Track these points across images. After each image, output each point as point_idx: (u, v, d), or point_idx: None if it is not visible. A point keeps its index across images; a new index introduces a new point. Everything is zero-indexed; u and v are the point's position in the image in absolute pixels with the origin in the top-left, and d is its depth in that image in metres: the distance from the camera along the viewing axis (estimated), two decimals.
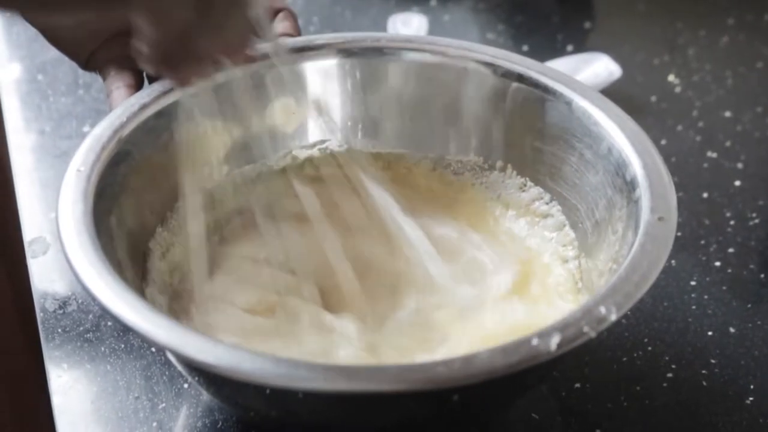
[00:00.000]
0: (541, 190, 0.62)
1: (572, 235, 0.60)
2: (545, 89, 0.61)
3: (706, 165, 0.77)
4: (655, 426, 0.58)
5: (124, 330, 0.61)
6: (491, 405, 0.52)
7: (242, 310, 0.57)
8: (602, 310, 0.46)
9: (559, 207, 0.61)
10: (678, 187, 0.55)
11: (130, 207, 0.56)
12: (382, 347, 0.54)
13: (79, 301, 0.64)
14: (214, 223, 0.61)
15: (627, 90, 0.84)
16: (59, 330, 0.62)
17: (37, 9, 0.54)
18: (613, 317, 0.46)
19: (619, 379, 0.60)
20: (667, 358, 0.61)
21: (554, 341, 0.45)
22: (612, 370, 0.60)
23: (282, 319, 0.56)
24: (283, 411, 0.50)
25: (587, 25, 0.96)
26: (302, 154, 0.65)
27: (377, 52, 0.64)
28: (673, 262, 0.67)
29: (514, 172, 0.63)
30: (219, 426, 0.57)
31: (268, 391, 0.47)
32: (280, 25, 0.63)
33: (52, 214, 0.69)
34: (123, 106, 0.58)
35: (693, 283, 0.66)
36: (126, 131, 0.57)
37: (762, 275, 0.68)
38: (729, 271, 0.67)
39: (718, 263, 0.68)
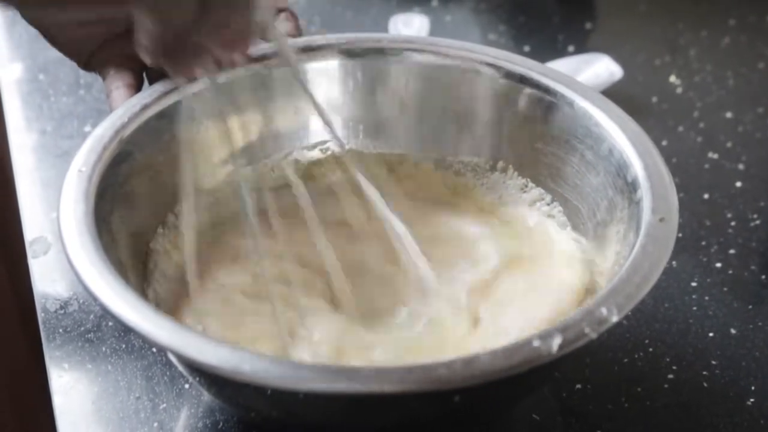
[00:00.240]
0: (543, 191, 0.62)
1: (573, 235, 0.60)
2: (546, 90, 0.61)
3: (707, 166, 0.77)
4: (656, 427, 0.58)
5: (125, 330, 0.61)
6: (492, 406, 0.52)
7: (233, 291, 0.56)
8: (603, 311, 0.46)
9: (560, 208, 0.61)
10: (679, 188, 0.55)
11: (132, 207, 0.56)
12: (354, 348, 0.54)
13: (80, 301, 0.64)
14: (211, 223, 0.61)
15: (628, 91, 0.84)
16: (60, 330, 0.62)
17: (37, 5, 0.54)
18: (615, 318, 0.46)
19: (620, 380, 0.60)
20: (668, 360, 0.61)
21: (555, 342, 0.45)
22: (613, 371, 0.60)
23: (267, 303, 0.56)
24: (284, 411, 0.50)
25: (588, 25, 0.96)
26: (304, 155, 0.65)
27: (378, 52, 0.64)
28: (674, 263, 0.67)
29: (516, 173, 0.63)
30: (220, 426, 0.57)
31: (269, 392, 0.47)
32: (282, 25, 0.63)
33: (53, 213, 0.69)
34: (124, 107, 0.58)
35: (694, 284, 0.66)
36: (127, 132, 0.57)
37: (763, 276, 0.68)
38: (730, 272, 0.67)
39: (719, 264, 0.68)
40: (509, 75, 0.62)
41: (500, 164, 0.64)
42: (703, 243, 0.70)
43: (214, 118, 0.60)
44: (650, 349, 0.62)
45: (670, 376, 0.60)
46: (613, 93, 0.80)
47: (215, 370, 0.45)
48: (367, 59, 0.64)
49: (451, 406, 0.48)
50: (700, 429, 0.58)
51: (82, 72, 0.64)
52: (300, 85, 0.58)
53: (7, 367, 0.97)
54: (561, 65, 0.84)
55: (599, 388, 0.59)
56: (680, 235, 0.69)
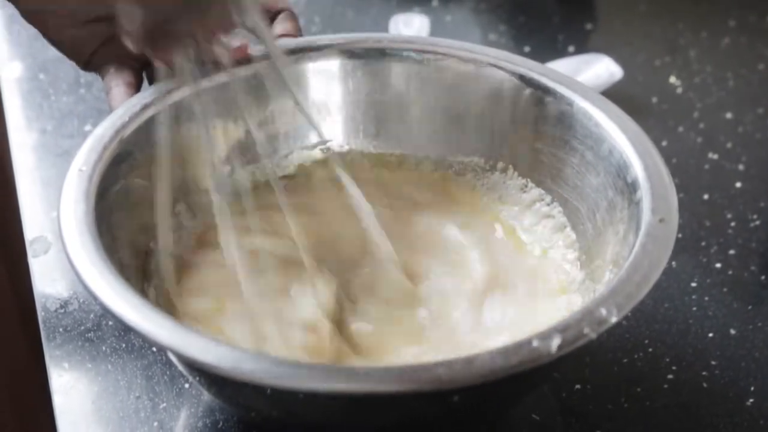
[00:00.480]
0: (542, 191, 0.62)
1: (573, 236, 0.60)
2: (546, 90, 0.61)
3: (707, 166, 0.77)
4: (656, 427, 0.58)
5: (125, 330, 0.61)
6: (492, 406, 0.52)
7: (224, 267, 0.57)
8: (603, 311, 0.46)
9: (560, 208, 0.61)
10: (679, 188, 0.55)
11: (132, 207, 0.56)
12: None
13: (81, 300, 0.64)
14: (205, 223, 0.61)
15: (628, 91, 0.84)
16: (60, 329, 0.62)
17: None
18: (614, 319, 0.46)
19: (619, 380, 0.60)
20: (667, 360, 0.61)
21: (555, 343, 0.45)
22: (613, 372, 0.60)
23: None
24: (284, 411, 0.50)
25: (588, 26, 0.96)
26: (303, 155, 0.65)
27: (379, 53, 0.64)
28: (673, 263, 0.67)
29: (516, 174, 0.63)
30: (220, 426, 0.57)
31: (269, 392, 0.47)
32: (282, 25, 0.63)
33: (53, 213, 0.69)
34: (125, 107, 0.58)
35: (693, 284, 0.66)
36: (128, 131, 0.57)
37: (763, 277, 0.68)
38: (730, 272, 0.67)
39: (718, 265, 0.68)
40: (509, 75, 0.62)
41: (500, 164, 0.64)
42: (703, 243, 0.70)
43: (214, 118, 0.60)
44: (650, 350, 0.62)
45: (670, 376, 0.60)
46: (614, 93, 0.80)
47: (215, 370, 0.45)
48: (368, 59, 0.64)
49: (450, 405, 0.48)
50: (699, 429, 0.58)
51: (82, 71, 0.64)
52: (286, 87, 0.58)
53: (7, 367, 0.97)
54: (561, 65, 0.84)
55: (599, 388, 0.59)
56: (680, 235, 0.69)
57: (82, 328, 0.62)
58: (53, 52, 0.63)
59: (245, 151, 0.62)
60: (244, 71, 0.60)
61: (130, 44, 0.51)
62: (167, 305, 0.56)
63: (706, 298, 0.65)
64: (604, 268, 0.55)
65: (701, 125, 0.82)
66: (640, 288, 0.48)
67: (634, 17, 0.97)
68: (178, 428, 0.57)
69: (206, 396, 0.58)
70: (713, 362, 0.61)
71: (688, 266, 0.67)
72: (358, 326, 0.56)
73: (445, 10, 0.96)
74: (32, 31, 0.61)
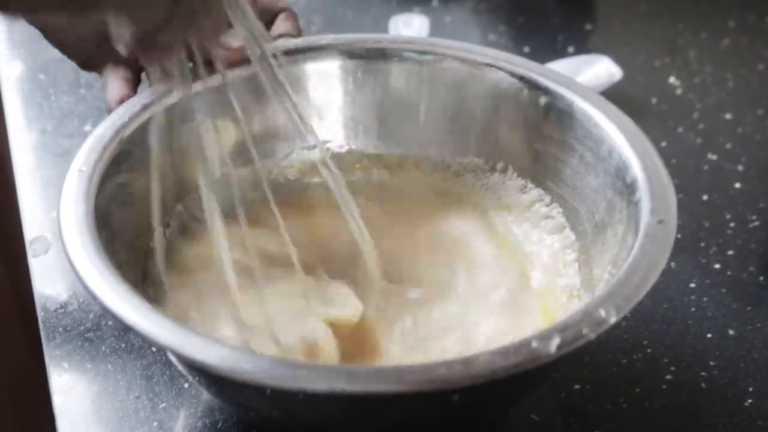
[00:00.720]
0: (542, 191, 0.62)
1: (572, 237, 0.60)
2: (546, 91, 0.61)
3: (706, 167, 0.77)
4: (655, 427, 0.58)
5: (125, 329, 0.61)
6: (491, 406, 0.52)
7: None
8: (602, 312, 0.46)
9: (559, 209, 0.61)
10: (678, 189, 0.55)
11: (132, 207, 0.56)
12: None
13: (80, 300, 0.64)
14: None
15: (628, 91, 0.84)
16: (60, 329, 0.62)
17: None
18: (613, 319, 0.46)
19: (618, 380, 0.60)
20: (666, 360, 0.61)
21: (554, 343, 0.45)
22: (612, 372, 0.60)
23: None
24: (283, 411, 0.51)
25: (588, 26, 0.96)
26: (302, 155, 0.65)
27: (378, 53, 0.64)
28: (672, 264, 0.67)
29: (515, 174, 0.63)
30: (219, 426, 0.57)
31: (268, 392, 0.47)
32: (282, 25, 0.63)
33: (53, 213, 0.69)
34: (125, 107, 0.58)
35: (693, 285, 0.66)
36: (128, 131, 0.57)
37: (762, 278, 0.68)
38: (729, 273, 0.68)
39: (717, 265, 0.68)
40: (509, 76, 0.62)
41: (500, 165, 0.64)
42: (702, 244, 0.70)
43: (214, 118, 0.60)
44: (649, 350, 0.62)
45: (669, 376, 0.60)
46: (613, 94, 0.79)
47: (215, 370, 0.45)
48: (367, 60, 0.64)
49: (450, 406, 0.48)
50: (698, 430, 0.58)
51: (82, 71, 0.64)
52: (283, 89, 0.58)
53: (7, 367, 0.97)
54: (561, 66, 0.84)
55: (598, 388, 0.59)
56: (679, 236, 0.68)
57: (82, 328, 0.62)
58: (53, 52, 0.63)
59: (243, 152, 0.62)
60: (241, 72, 0.60)
61: (122, 51, 0.51)
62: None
63: (705, 299, 0.65)
64: (603, 269, 0.55)
65: (701, 126, 0.82)
66: (639, 289, 0.48)
67: (633, 18, 0.97)
68: (177, 428, 0.57)
69: (206, 396, 0.58)
70: (712, 363, 0.61)
71: (687, 267, 0.68)
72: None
73: (444, 10, 0.96)
74: (33, 31, 0.62)
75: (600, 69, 0.83)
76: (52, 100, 0.82)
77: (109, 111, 0.59)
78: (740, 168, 0.77)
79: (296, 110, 0.58)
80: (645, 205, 0.52)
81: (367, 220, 0.58)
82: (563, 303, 0.57)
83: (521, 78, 0.62)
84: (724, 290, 0.66)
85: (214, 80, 0.60)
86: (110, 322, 0.62)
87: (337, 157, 0.65)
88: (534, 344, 0.45)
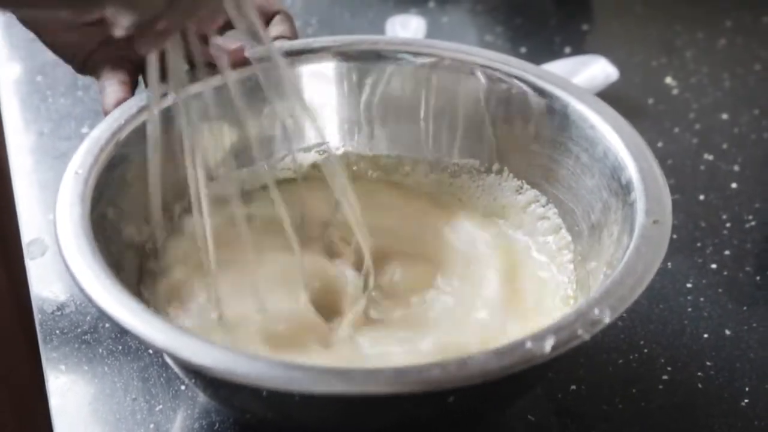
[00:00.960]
0: (538, 192, 0.62)
1: (568, 238, 0.60)
2: (542, 92, 0.61)
3: (702, 167, 0.77)
4: (651, 428, 0.58)
5: (122, 332, 0.61)
6: (487, 407, 0.52)
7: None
8: (596, 312, 0.46)
9: (555, 210, 0.61)
10: (674, 189, 0.55)
11: (128, 209, 0.56)
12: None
13: (77, 302, 0.64)
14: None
15: (624, 92, 0.84)
16: (57, 332, 0.62)
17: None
18: (607, 320, 0.46)
19: (614, 381, 0.60)
20: (662, 361, 0.61)
21: (548, 344, 0.45)
22: (608, 372, 0.61)
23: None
24: (279, 413, 0.51)
25: (585, 27, 0.96)
26: (299, 157, 0.65)
27: (375, 55, 0.64)
28: (669, 264, 0.67)
29: (511, 175, 0.63)
30: (216, 428, 0.57)
31: (264, 394, 0.47)
32: (277, 28, 0.63)
33: (50, 215, 0.69)
34: (121, 109, 0.58)
35: (689, 285, 0.66)
36: (124, 134, 0.57)
37: (758, 278, 0.68)
38: (725, 273, 0.68)
39: (714, 265, 0.68)
40: (505, 77, 0.62)
41: (495, 166, 0.64)
42: (699, 244, 0.70)
43: (210, 120, 0.60)
44: (645, 350, 0.62)
45: (665, 377, 0.60)
46: (610, 94, 0.80)
47: (210, 372, 0.45)
48: (363, 62, 0.64)
49: (445, 406, 0.48)
50: (694, 430, 0.58)
51: None
52: (286, 88, 0.58)
53: (6, 368, 0.97)
54: (557, 67, 0.84)
55: (594, 388, 0.60)
56: (675, 236, 0.69)
57: (79, 330, 0.62)
58: (51, 54, 0.63)
59: (241, 153, 0.62)
60: (239, 74, 0.60)
61: (119, 34, 0.51)
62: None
63: (702, 299, 0.66)
64: (598, 270, 0.55)
65: (697, 126, 0.82)
66: (634, 290, 0.48)
67: (630, 18, 0.97)
68: (174, 430, 0.57)
69: (202, 398, 0.58)
70: (708, 363, 0.61)
71: (684, 267, 0.68)
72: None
73: (441, 11, 0.96)
74: (30, 33, 0.62)
75: (597, 69, 0.83)
76: (49, 103, 0.82)
77: (106, 114, 0.59)
78: (736, 168, 0.77)
79: (304, 107, 0.58)
80: (640, 206, 0.53)
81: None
82: (558, 303, 0.57)
83: (517, 79, 0.62)
84: (720, 290, 0.66)
85: (211, 81, 0.60)
86: (107, 325, 0.62)
87: (334, 159, 0.65)
88: (528, 345, 0.45)
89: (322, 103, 0.65)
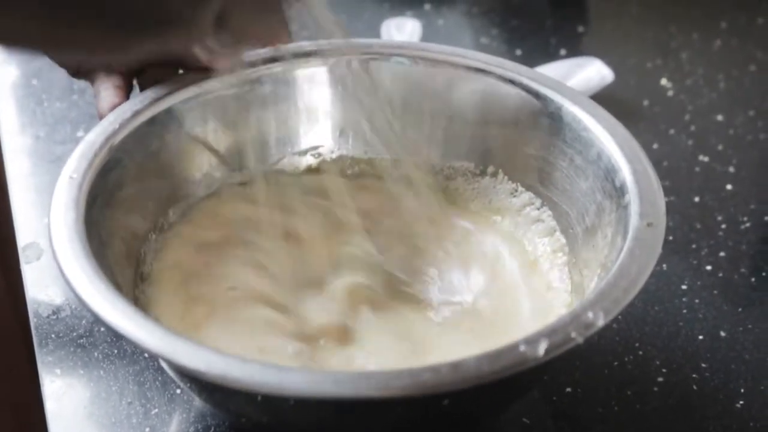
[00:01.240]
0: (532, 195, 0.62)
1: (563, 240, 0.60)
2: (536, 95, 0.61)
3: (697, 169, 0.77)
4: (647, 430, 0.58)
5: (117, 336, 0.61)
6: (481, 410, 0.52)
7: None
8: (590, 315, 0.46)
9: (549, 212, 0.61)
10: (670, 191, 0.55)
11: (123, 213, 0.57)
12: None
13: (73, 306, 0.64)
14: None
15: (620, 94, 0.84)
16: (52, 335, 0.62)
17: (43, 48, 0.54)
18: (601, 323, 0.46)
19: (610, 383, 0.60)
20: (657, 363, 0.61)
21: (542, 347, 0.45)
22: (603, 375, 0.61)
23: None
24: (273, 417, 0.51)
25: (580, 29, 0.96)
26: (293, 161, 0.65)
27: (369, 58, 0.64)
28: (664, 266, 0.67)
29: (505, 178, 0.63)
30: (211, 431, 0.57)
31: (259, 398, 0.47)
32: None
33: (46, 219, 0.69)
34: (115, 113, 0.58)
35: (684, 287, 0.67)
36: (118, 138, 0.57)
37: (753, 279, 0.68)
38: (720, 275, 0.68)
39: (709, 267, 0.68)
40: (499, 80, 0.62)
41: (490, 169, 0.64)
42: (694, 246, 0.70)
43: (204, 124, 0.60)
44: (640, 352, 0.62)
45: (660, 379, 0.60)
46: (605, 96, 0.80)
47: (204, 376, 0.45)
48: (359, 64, 0.64)
49: (439, 410, 0.48)
50: (690, 431, 0.58)
51: None
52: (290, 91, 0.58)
53: (4, 371, 0.97)
54: (553, 69, 0.84)
55: (590, 391, 0.60)
56: (671, 238, 0.69)
57: (75, 334, 0.62)
58: (46, 58, 0.63)
59: (236, 157, 0.62)
60: (232, 78, 0.60)
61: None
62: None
63: (697, 301, 0.66)
64: (592, 272, 0.55)
65: (692, 128, 0.82)
66: (628, 292, 0.48)
67: (625, 20, 0.97)
68: None
69: (198, 402, 0.58)
70: (703, 365, 0.61)
71: (679, 269, 0.68)
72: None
73: (437, 14, 0.96)
74: None
75: (592, 71, 0.84)
76: (45, 106, 0.82)
77: (101, 119, 0.59)
78: (731, 169, 0.77)
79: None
80: (634, 209, 0.53)
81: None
82: (552, 306, 0.57)
83: (511, 82, 0.62)
84: (715, 292, 0.66)
85: (207, 86, 0.60)
86: (102, 329, 0.62)
87: (329, 162, 0.65)
88: (522, 348, 0.45)
89: (317, 106, 0.65)
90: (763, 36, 0.94)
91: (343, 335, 0.55)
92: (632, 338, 0.63)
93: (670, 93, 0.86)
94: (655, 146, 0.79)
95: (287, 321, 0.56)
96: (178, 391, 0.59)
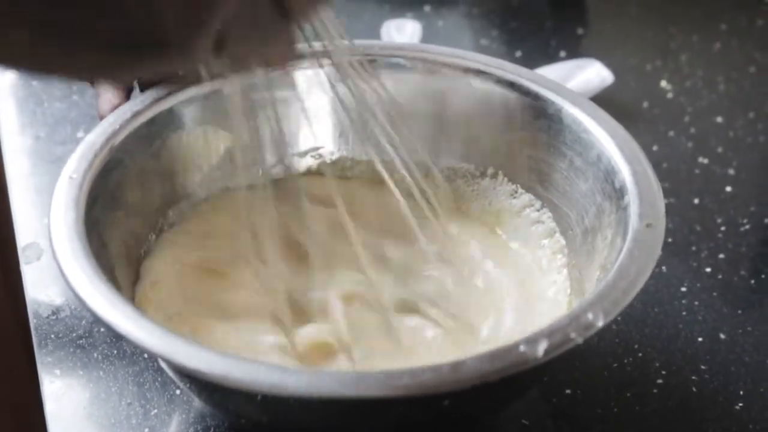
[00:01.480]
0: (532, 197, 0.62)
1: (563, 241, 0.60)
2: (536, 97, 0.61)
3: (697, 171, 0.77)
4: (646, 431, 0.58)
5: (117, 337, 0.61)
6: (481, 410, 0.52)
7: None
8: (590, 316, 0.47)
9: (549, 214, 0.61)
10: (669, 193, 0.55)
11: (123, 214, 0.57)
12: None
13: (72, 307, 0.64)
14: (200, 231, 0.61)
15: (619, 96, 0.84)
16: (52, 336, 0.62)
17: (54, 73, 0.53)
18: (600, 324, 0.46)
19: (609, 384, 0.60)
20: (657, 364, 0.61)
21: (541, 347, 0.45)
22: (602, 376, 0.61)
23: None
24: (274, 417, 0.51)
25: (580, 30, 0.96)
26: (295, 162, 0.65)
27: (369, 60, 0.64)
28: (663, 267, 0.67)
29: (505, 179, 0.63)
30: None
31: (259, 398, 0.47)
32: None
33: (46, 219, 0.69)
34: (116, 114, 0.58)
35: (683, 289, 0.67)
36: (118, 139, 0.57)
37: (752, 281, 0.68)
38: (720, 277, 0.68)
39: (708, 269, 0.68)
40: (499, 82, 0.62)
41: (490, 170, 0.64)
42: (693, 248, 0.70)
43: (204, 125, 0.60)
44: (640, 354, 0.62)
45: (660, 380, 0.60)
46: (605, 98, 0.80)
47: (204, 376, 0.45)
48: (359, 66, 0.64)
49: (439, 410, 0.48)
50: None
51: None
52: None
53: (4, 372, 0.97)
54: (553, 70, 0.84)
55: (589, 392, 0.60)
56: (670, 239, 0.69)
57: (74, 334, 0.62)
58: None
59: (235, 158, 0.62)
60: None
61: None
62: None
63: (696, 303, 0.66)
64: (592, 273, 0.55)
65: (692, 129, 0.82)
66: (627, 293, 0.48)
67: (625, 22, 0.97)
68: None
69: (197, 402, 0.58)
70: (703, 367, 0.61)
71: (678, 270, 0.68)
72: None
73: (437, 15, 0.96)
74: None
75: (592, 73, 0.84)
76: (45, 107, 0.82)
77: (102, 119, 0.59)
78: (731, 171, 0.77)
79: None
80: (633, 210, 0.53)
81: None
82: (552, 307, 0.57)
83: (511, 84, 0.62)
84: (715, 294, 0.66)
85: (207, 87, 0.60)
86: (102, 329, 0.62)
87: (329, 164, 0.65)
88: (522, 348, 0.45)
89: (317, 107, 0.65)
90: (763, 38, 0.94)
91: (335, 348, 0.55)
92: (632, 340, 0.63)
93: (670, 95, 0.86)
94: (654, 148, 0.79)
95: (283, 326, 0.56)
96: (178, 391, 0.59)
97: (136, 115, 0.58)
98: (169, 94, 0.60)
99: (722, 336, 0.63)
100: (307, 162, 0.66)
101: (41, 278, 0.66)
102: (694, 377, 0.61)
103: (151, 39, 0.39)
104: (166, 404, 0.58)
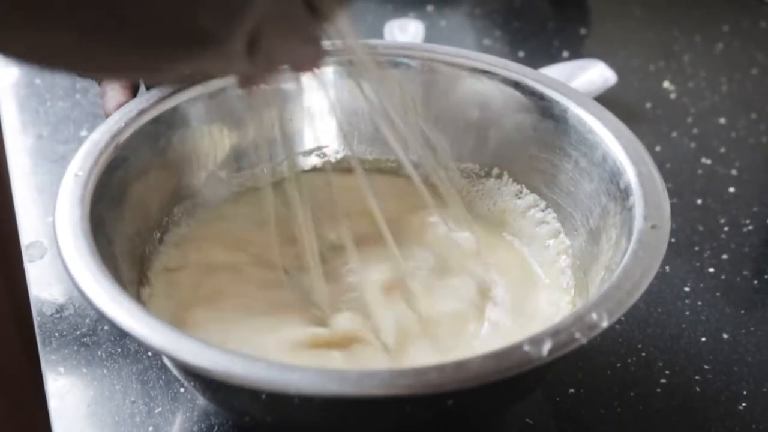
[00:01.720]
0: (537, 197, 0.62)
1: (567, 242, 0.60)
2: (541, 97, 0.61)
3: (700, 171, 0.77)
4: (649, 431, 0.58)
5: (121, 334, 0.61)
6: (485, 410, 0.52)
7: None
8: (594, 316, 0.47)
9: (554, 214, 0.61)
10: (672, 193, 0.55)
11: (128, 212, 0.56)
12: None
13: (76, 305, 0.64)
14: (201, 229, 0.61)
15: (622, 96, 0.84)
16: (56, 334, 0.62)
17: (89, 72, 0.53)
18: (605, 324, 0.46)
19: (613, 384, 0.60)
20: (660, 364, 0.61)
21: (546, 347, 0.45)
22: (606, 376, 0.61)
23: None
24: (278, 415, 0.51)
25: (583, 31, 0.96)
26: (301, 160, 0.65)
27: (374, 59, 0.64)
28: (667, 268, 0.67)
29: (510, 180, 0.63)
30: (215, 430, 0.57)
31: (263, 396, 0.47)
32: None
33: (49, 218, 0.70)
34: (121, 112, 0.58)
35: (687, 289, 0.67)
36: (123, 137, 0.57)
37: (755, 282, 0.68)
38: (723, 277, 0.68)
39: (711, 269, 0.68)
40: (504, 82, 0.62)
41: (495, 171, 0.64)
42: (697, 248, 0.70)
43: (210, 123, 0.60)
44: (643, 354, 0.62)
45: (663, 380, 0.60)
46: (608, 98, 0.80)
47: (209, 374, 0.45)
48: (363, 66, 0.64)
49: (443, 409, 0.48)
50: None
51: (78, 76, 0.64)
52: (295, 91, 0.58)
53: (4, 371, 0.97)
54: (556, 71, 0.84)
55: (592, 392, 0.60)
56: (673, 240, 0.69)
57: (78, 332, 0.62)
58: None
59: (240, 157, 0.62)
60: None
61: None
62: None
63: (699, 303, 0.66)
64: (597, 274, 0.55)
65: (695, 130, 0.82)
66: (631, 294, 0.48)
67: (628, 22, 0.97)
68: None
69: (201, 400, 0.58)
70: (706, 366, 0.61)
71: (682, 271, 0.68)
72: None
73: (440, 15, 0.96)
74: None
75: (595, 74, 0.84)
76: (48, 106, 0.82)
77: (107, 118, 0.59)
78: (734, 172, 0.77)
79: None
80: (638, 211, 0.53)
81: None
82: (556, 307, 0.57)
83: (516, 84, 0.62)
84: (718, 294, 0.66)
85: (212, 85, 0.60)
86: (106, 327, 0.62)
87: (333, 163, 0.65)
88: (526, 348, 0.45)
89: (321, 107, 0.65)
90: (765, 39, 0.94)
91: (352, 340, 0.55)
92: (635, 340, 0.63)
93: (673, 95, 0.86)
94: (657, 149, 0.79)
95: (288, 324, 0.56)
96: (182, 389, 0.59)
97: (141, 113, 0.58)
98: (174, 92, 0.60)
99: (725, 336, 0.64)
100: (312, 161, 0.66)
101: (44, 276, 0.66)
102: (697, 377, 0.61)
103: (188, 35, 0.39)
104: (170, 402, 0.58)
